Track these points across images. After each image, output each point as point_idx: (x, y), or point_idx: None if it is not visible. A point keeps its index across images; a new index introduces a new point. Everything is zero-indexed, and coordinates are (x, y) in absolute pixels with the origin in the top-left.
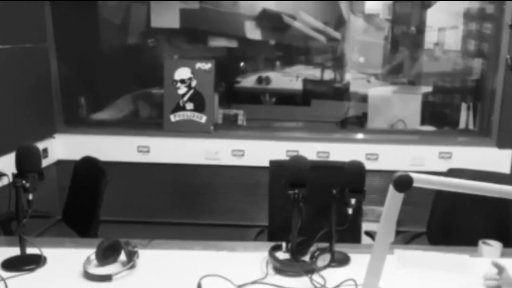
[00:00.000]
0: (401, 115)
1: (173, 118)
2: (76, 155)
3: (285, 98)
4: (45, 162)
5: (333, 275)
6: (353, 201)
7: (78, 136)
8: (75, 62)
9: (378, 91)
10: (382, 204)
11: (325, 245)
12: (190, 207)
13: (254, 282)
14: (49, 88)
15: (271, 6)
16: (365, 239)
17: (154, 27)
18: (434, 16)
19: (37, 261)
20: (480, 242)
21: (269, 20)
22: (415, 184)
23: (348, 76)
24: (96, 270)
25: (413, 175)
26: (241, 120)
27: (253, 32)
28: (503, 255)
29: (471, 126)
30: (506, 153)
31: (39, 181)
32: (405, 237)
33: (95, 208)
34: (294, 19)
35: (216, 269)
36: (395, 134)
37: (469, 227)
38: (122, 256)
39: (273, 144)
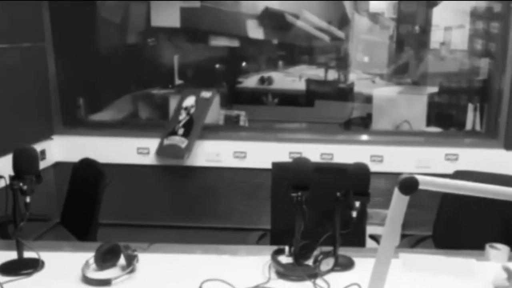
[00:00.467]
0: (407, 116)
1: (166, 141)
2: (75, 157)
3: (287, 98)
4: (42, 164)
5: (337, 279)
6: (357, 204)
7: (77, 138)
8: (73, 62)
9: (383, 92)
10: (387, 207)
11: (328, 249)
12: (190, 210)
13: (256, 287)
14: (47, 89)
15: (274, 4)
16: (369, 243)
17: (154, 26)
18: (440, 15)
19: (35, 265)
20: (487, 246)
21: (272, 19)
22: (420, 187)
23: (352, 76)
24: (95, 275)
25: (418, 177)
26: (243, 121)
27: (255, 32)
28: (510, 259)
29: (478, 128)
30: None
31: (37, 183)
32: (411, 240)
33: (94, 211)
34: (297, 18)
35: (218, 274)
36: (400, 135)
37: (476, 230)
38: (122, 260)
39: (276, 146)
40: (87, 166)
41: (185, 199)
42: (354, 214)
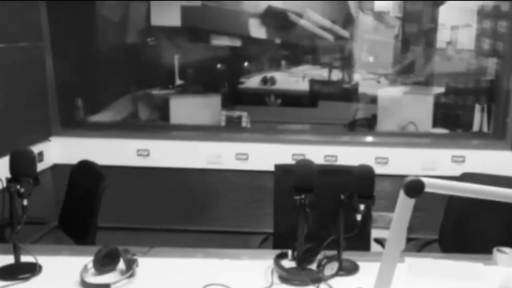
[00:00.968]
0: (412, 117)
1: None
2: (73, 159)
3: (291, 99)
4: (40, 166)
5: (341, 284)
6: (362, 207)
7: (75, 139)
8: (72, 62)
9: (388, 92)
10: (392, 210)
11: (332, 253)
12: (191, 213)
13: None
14: (44, 89)
15: (277, 3)
16: (374, 247)
17: (154, 25)
18: (447, 14)
19: (32, 270)
20: (494, 250)
21: (274, 18)
22: (426, 189)
23: (356, 77)
24: (94, 279)
25: (424, 179)
26: (245, 122)
27: (257, 31)
28: None
29: (485, 129)
30: None
31: (34, 186)
32: (416, 244)
33: (93, 214)
34: (300, 17)
35: (219, 278)
36: (406, 137)
37: (483, 234)
38: (121, 265)
39: (279, 148)
40: (86, 168)
41: (186, 202)
42: (359, 217)
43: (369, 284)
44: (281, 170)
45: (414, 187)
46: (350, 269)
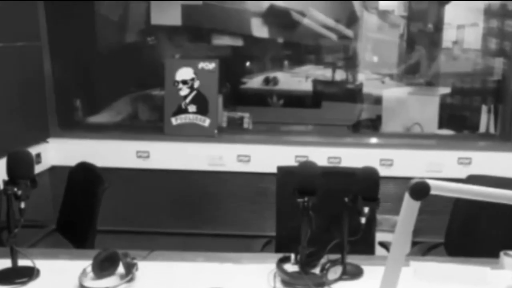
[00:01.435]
0: (418, 118)
1: (175, 121)
2: (71, 161)
3: (293, 100)
4: (38, 168)
5: None
6: (366, 209)
7: (73, 141)
8: (70, 62)
9: (393, 93)
10: (397, 213)
11: (336, 256)
12: (192, 216)
13: None
14: (42, 89)
15: (279, 2)
16: (379, 251)
17: (154, 24)
18: (453, 13)
19: (30, 274)
20: (502, 254)
21: (277, 17)
22: (432, 192)
23: (361, 77)
24: (93, 283)
25: (430, 182)
26: (247, 123)
27: (259, 30)
28: None
29: (492, 130)
30: None
31: (32, 188)
32: (422, 248)
33: (92, 217)
34: (304, 16)
35: (220, 282)
36: (411, 138)
37: (490, 237)
38: (120, 269)
39: (281, 149)
40: (85, 170)
41: (186, 205)
42: (363, 220)
43: None
44: (284, 172)
45: (420, 190)
46: (354, 273)
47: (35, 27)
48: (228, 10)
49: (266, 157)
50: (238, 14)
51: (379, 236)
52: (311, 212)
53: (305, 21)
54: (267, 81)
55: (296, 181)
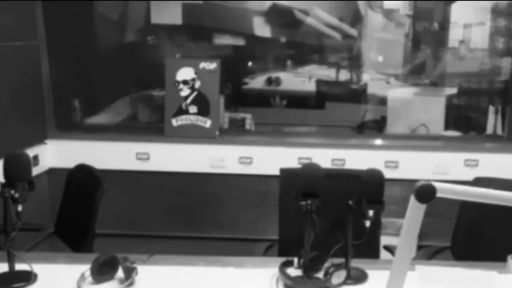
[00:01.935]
0: (423, 119)
1: (175, 122)
2: (70, 163)
3: (297, 100)
4: (35, 171)
5: None
6: (371, 212)
7: (72, 142)
8: (68, 61)
9: (398, 93)
10: (403, 216)
11: (340, 260)
12: (193, 219)
13: None
14: (40, 90)
15: (282, 1)
16: (384, 254)
17: (154, 24)
18: (459, 12)
19: (27, 278)
20: (509, 258)
21: (280, 16)
22: (438, 194)
23: (365, 77)
24: None
25: (436, 184)
26: (249, 124)
27: (262, 29)
28: None
29: (499, 131)
30: None
31: (29, 191)
32: (428, 252)
33: (90, 221)
34: (307, 15)
35: (222, 287)
36: (417, 139)
37: (497, 241)
38: (120, 273)
39: (284, 151)
40: (83, 173)
41: (187, 208)
42: (368, 223)
43: None
44: (287, 174)
45: (425, 192)
46: (358, 277)
47: (33, 26)
48: (229, 9)
49: (269, 159)
50: (240, 12)
51: (384, 240)
52: (314, 215)
53: (309, 20)
54: (269, 81)
55: (299, 183)
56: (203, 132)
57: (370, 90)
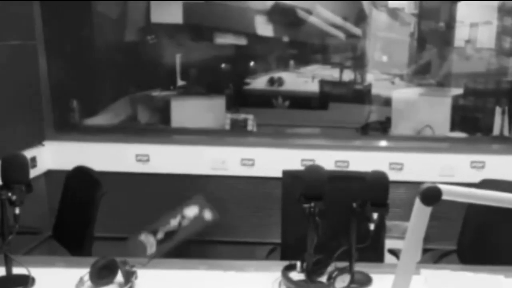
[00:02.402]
0: (429, 120)
1: (141, 237)
2: (68, 165)
3: (299, 101)
4: (33, 173)
5: None
6: (375, 215)
7: (70, 144)
8: (66, 61)
9: (403, 94)
10: (408, 219)
11: (344, 264)
12: None
13: None
14: (37, 90)
15: None
16: (388, 258)
17: (154, 23)
18: (466, 10)
19: (25, 282)
20: None
21: (282, 15)
22: (444, 197)
23: (369, 77)
24: None
25: (442, 186)
26: (251, 125)
27: (264, 28)
28: None
29: (506, 133)
30: None
31: (27, 193)
32: (433, 255)
33: (89, 223)
34: (310, 14)
35: None
36: (422, 141)
37: (504, 244)
38: (119, 277)
39: (287, 153)
40: (82, 175)
41: None
42: (372, 226)
43: None
44: (289, 176)
45: (431, 195)
46: (362, 281)
47: (30, 24)
48: (231, 8)
49: (271, 160)
50: (242, 11)
51: (389, 243)
52: (317, 218)
53: (312, 19)
54: (272, 81)
55: (302, 185)
56: (139, 252)
57: (375, 90)
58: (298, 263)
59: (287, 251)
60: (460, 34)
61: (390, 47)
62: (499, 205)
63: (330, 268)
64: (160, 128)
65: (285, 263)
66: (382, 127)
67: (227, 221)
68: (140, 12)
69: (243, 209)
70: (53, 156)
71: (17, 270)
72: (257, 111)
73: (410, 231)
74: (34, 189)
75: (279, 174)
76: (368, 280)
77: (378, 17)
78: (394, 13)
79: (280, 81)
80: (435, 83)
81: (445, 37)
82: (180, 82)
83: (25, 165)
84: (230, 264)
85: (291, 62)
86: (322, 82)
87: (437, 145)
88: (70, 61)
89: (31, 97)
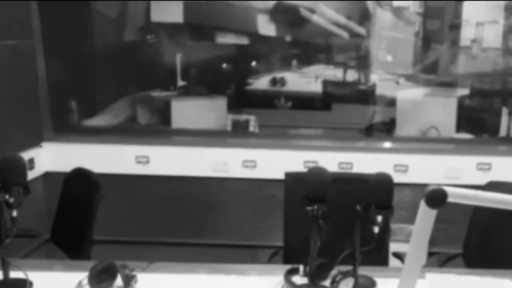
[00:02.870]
0: (434, 121)
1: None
2: (66, 167)
3: (302, 101)
4: (31, 175)
5: None
6: (379, 218)
7: (69, 145)
8: (65, 61)
9: (408, 94)
10: (413, 222)
11: (347, 268)
12: (194, 225)
13: None
14: (35, 90)
15: None
16: (393, 262)
17: (154, 22)
18: (471, 10)
19: (22, 286)
20: None
21: (285, 14)
22: (449, 199)
23: (374, 77)
24: None
25: (447, 189)
26: (253, 126)
27: (266, 27)
28: None
29: None
30: None
31: (25, 195)
32: (439, 259)
33: (88, 226)
34: (313, 13)
35: None
36: (427, 142)
37: (510, 248)
38: (119, 281)
39: (289, 154)
40: (80, 177)
41: (189, 213)
42: (376, 229)
43: None
44: (292, 178)
45: (436, 197)
46: (366, 285)
47: (28, 24)
48: (232, 7)
49: (273, 162)
50: (243, 10)
51: (393, 247)
52: (320, 221)
53: (315, 18)
54: (274, 81)
55: (305, 188)
56: None
57: (379, 91)
58: (301, 267)
59: (289, 254)
60: (466, 34)
61: (394, 46)
62: (506, 208)
63: (333, 272)
64: (160, 129)
65: (288, 266)
66: (387, 128)
67: (229, 224)
68: (140, 11)
69: (244, 212)
70: (51, 157)
71: (14, 274)
72: (259, 112)
73: (415, 234)
74: (32, 192)
75: (281, 176)
76: (372, 284)
77: (382, 16)
78: (398, 12)
79: (282, 81)
80: (440, 83)
81: (451, 37)
82: (180, 82)
83: (23, 167)
84: (231, 268)
85: (294, 62)
86: (326, 82)
87: (442, 147)
88: (68, 61)
89: (29, 97)
